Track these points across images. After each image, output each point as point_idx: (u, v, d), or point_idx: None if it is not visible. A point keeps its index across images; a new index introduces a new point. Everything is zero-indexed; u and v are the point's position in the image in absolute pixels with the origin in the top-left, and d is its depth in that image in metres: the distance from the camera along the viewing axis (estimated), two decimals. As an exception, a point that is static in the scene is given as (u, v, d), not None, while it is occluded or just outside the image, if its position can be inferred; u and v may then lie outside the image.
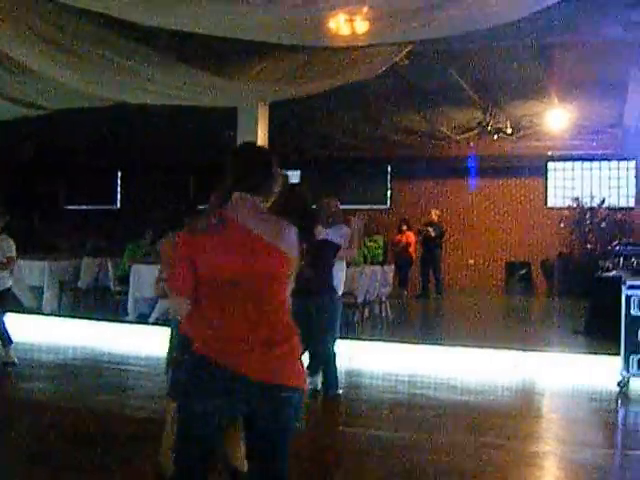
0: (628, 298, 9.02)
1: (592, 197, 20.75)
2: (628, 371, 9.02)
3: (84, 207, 25.78)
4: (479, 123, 17.63)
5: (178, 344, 4.76)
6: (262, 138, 12.76)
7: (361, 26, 7.69)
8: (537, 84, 14.06)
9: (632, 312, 9.00)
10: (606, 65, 12.13)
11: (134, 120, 15.29)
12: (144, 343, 11.80)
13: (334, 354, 7.98)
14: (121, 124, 16.20)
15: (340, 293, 8.42)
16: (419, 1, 6.77)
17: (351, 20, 7.63)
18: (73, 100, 10.53)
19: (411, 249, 19.33)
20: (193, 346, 3.50)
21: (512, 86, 14.39)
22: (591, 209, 20.43)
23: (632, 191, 20.88)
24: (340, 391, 8.19)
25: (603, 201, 20.60)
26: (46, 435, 6.88)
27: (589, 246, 19.78)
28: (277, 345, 3.44)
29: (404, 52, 10.55)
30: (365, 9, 7.38)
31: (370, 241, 19.48)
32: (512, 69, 12.99)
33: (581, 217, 20.42)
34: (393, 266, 15.95)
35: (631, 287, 9.06)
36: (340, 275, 8.33)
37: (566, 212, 20.80)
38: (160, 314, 12.29)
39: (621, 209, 20.51)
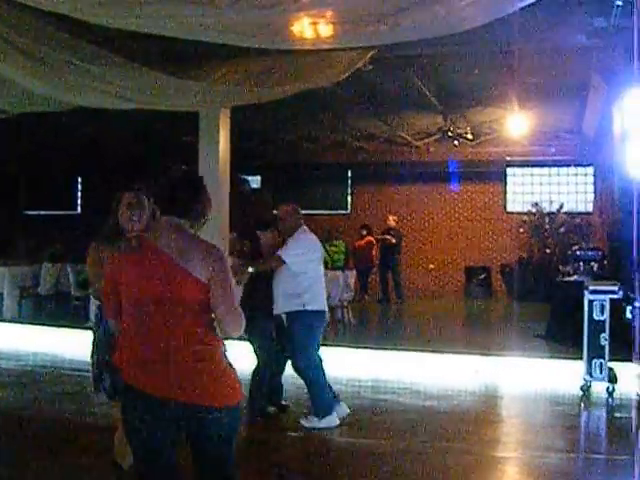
0: (591, 303, 9.08)
1: (551, 202, 20.93)
2: (591, 375, 9.07)
3: (44, 212, 25.40)
4: (439, 129, 17.71)
5: (106, 345, 4.70)
6: (224, 143, 12.68)
7: (326, 30, 7.62)
8: (498, 90, 14.12)
9: (595, 317, 9.05)
10: (567, 72, 12.22)
11: (95, 124, 15.10)
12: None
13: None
14: (82, 128, 16.00)
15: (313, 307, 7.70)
16: (384, 6, 6.73)
17: (316, 23, 7.56)
18: (33, 104, 10.37)
19: (372, 254, 19.34)
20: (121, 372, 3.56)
21: (473, 92, 14.46)
22: (550, 214, 20.61)
23: (590, 196, 21.11)
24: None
25: (562, 206, 20.80)
26: (6, 444, 6.74)
27: (548, 251, 19.95)
28: (191, 368, 3.45)
29: (367, 57, 10.52)
30: (330, 13, 7.32)
31: (331, 246, 19.42)
32: (474, 75, 13.04)
33: (540, 222, 20.60)
34: (354, 271, 15.94)
35: (594, 292, 9.11)
36: (307, 285, 7.75)
37: (525, 217, 20.99)
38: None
39: (579, 214, 20.73)
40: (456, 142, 18.40)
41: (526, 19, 9.67)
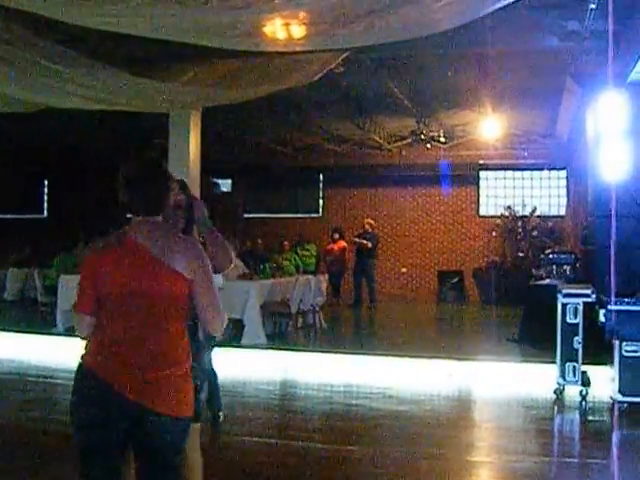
0: (564, 306, 9.04)
1: (524, 206, 20.96)
2: (564, 379, 9.03)
3: (9, 216, 24.94)
4: (412, 132, 17.66)
5: None
6: (194, 145, 12.58)
7: (299, 31, 7.55)
8: (471, 93, 14.09)
9: (568, 320, 9.02)
10: (541, 75, 12.19)
11: (62, 125, 14.90)
12: (72, 356, 11.44)
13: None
14: (49, 129, 15.80)
15: None
16: (358, 8, 6.66)
17: (288, 25, 7.49)
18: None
19: (344, 258, 19.27)
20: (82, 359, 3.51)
21: (446, 95, 14.42)
22: (523, 217, 20.66)
23: (563, 200, 21.18)
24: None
25: (534, 210, 20.85)
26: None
27: (521, 254, 19.98)
28: (160, 370, 3.39)
29: (340, 59, 10.45)
30: (303, 14, 7.24)
31: (302, 250, 19.35)
32: (447, 78, 13.00)
33: (513, 225, 20.63)
34: (326, 275, 15.86)
35: (567, 295, 9.08)
36: None
37: (498, 220, 21.00)
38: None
39: (552, 217, 20.78)
40: (429, 145, 18.35)
41: (499, 21, 9.66)
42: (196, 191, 12.74)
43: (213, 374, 7.87)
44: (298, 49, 8.21)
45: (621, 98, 9.17)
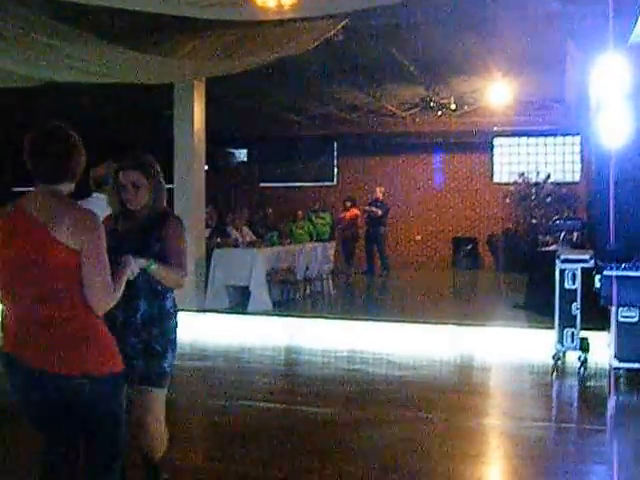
0: (562, 272, 9.02)
1: (538, 173, 20.84)
2: (562, 345, 9.03)
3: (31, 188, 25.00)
4: (422, 99, 17.55)
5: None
6: (198, 115, 12.57)
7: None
8: (479, 59, 13.97)
9: (566, 286, 9.00)
10: (545, 39, 12.07)
11: (66, 98, 14.90)
12: None
13: None
14: (52, 103, 15.82)
15: None
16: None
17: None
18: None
19: (356, 225, 19.30)
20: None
21: (454, 62, 14.31)
22: (536, 184, 20.54)
23: (577, 166, 21.02)
24: None
25: (548, 176, 20.72)
26: None
27: (534, 221, 19.89)
28: (54, 332, 3.37)
29: (339, 27, 10.41)
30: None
31: (317, 218, 19.39)
32: (452, 45, 12.90)
33: (527, 192, 20.53)
34: (334, 243, 15.92)
35: (565, 261, 9.05)
36: None
37: (512, 187, 20.89)
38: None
39: (566, 184, 20.65)
40: (439, 113, 18.24)
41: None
42: (202, 161, 12.81)
43: None
44: (290, 16, 8.17)
45: (622, 60, 9.06)
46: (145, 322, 4.24)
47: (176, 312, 4.41)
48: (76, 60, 9.10)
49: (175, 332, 4.40)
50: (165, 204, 4.47)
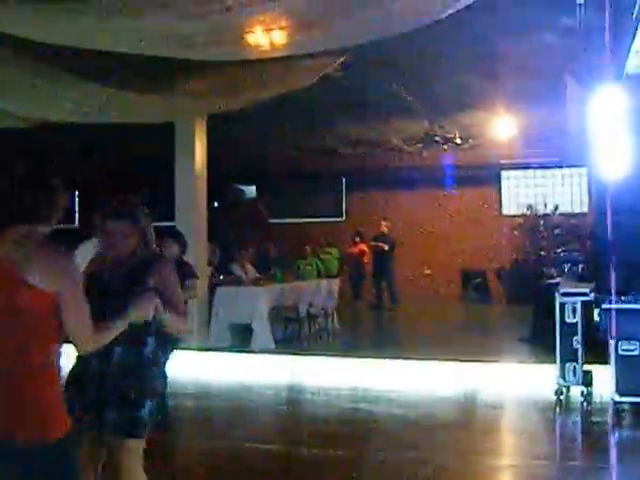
0: (562, 305, 8.94)
1: (545, 205, 20.76)
2: (565, 379, 8.93)
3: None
4: (426, 133, 17.57)
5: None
6: (200, 152, 12.63)
7: (280, 37, 7.58)
8: (481, 94, 14.01)
9: (567, 319, 8.92)
10: (543, 74, 12.10)
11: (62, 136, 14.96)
12: None
13: None
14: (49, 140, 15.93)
15: None
16: (336, 6, 6.70)
17: (269, 30, 7.51)
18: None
19: (364, 260, 19.26)
20: None
21: (456, 96, 14.34)
22: (545, 216, 20.45)
23: (585, 197, 20.94)
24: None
25: (557, 207, 20.64)
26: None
27: (543, 253, 19.78)
28: (10, 394, 3.19)
29: (337, 62, 10.47)
30: (283, 18, 7.28)
31: (324, 254, 19.38)
32: (453, 79, 12.95)
33: (535, 224, 20.44)
34: (338, 280, 15.87)
35: (565, 294, 8.98)
36: None
37: (520, 220, 20.80)
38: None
39: (575, 215, 20.55)
40: (445, 146, 18.25)
41: (495, 20, 9.65)
42: (203, 198, 12.82)
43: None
44: (281, 54, 8.22)
45: (619, 92, 9.03)
46: (120, 369, 4.11)
47: (160, 359, 4.31)
48: (72, 102, 9.17)
49: (156, 380, 4.28)
50: (155, 246, 4.40)
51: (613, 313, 8.21)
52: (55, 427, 3.24)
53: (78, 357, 4.06)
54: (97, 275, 4.12)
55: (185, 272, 7.38)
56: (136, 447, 4.20)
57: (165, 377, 7.69)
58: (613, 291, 8.19)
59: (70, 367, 4.21)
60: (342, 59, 10.44)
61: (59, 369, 3.34)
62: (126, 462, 4.17)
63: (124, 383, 4.11)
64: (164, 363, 6.96)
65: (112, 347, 3.91)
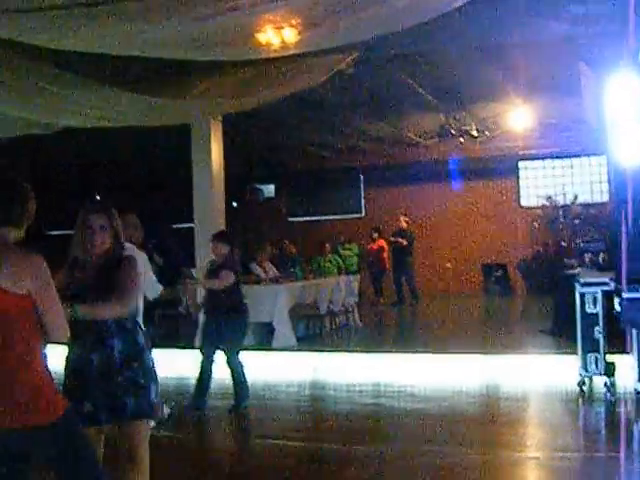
0: (582, 296, 8.86)
1: (565, 194, 20.63)
2: (587, 370, 8.86)
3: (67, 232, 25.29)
4: (442, 127, 17.53)
5: None
6: (217, 153, 12.68)
7: (290, 35, 7.58)
8: (496, 85, 13.98)
9: (587, 310, 8.85)
10: (560, 62, 12.04)
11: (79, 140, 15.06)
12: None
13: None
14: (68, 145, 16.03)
15: None
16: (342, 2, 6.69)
17: (280, 28, 7.52)
18: (18, 128, 10.48)
19: (384, 256, 19.21)
20: None
21: (470, 88, 14.32)
22: (564, 206, 20.33)
23: (605, 186, 20.79)
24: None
25: (576, 197, 20.50)
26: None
27: (563, 244, 19.68)
28: (8, 396, 3.35)
29: (349, 59, 10.46)
30: (293, 17, 7.28)
31: (344, 250, 19.39)
32: (467, 71, 12.92)
33: (554, 215, 20.33)
34: (358, 276, 15.87)
35: (585, 284, 8.91)
36: None
37: (539, 211, 20.70)
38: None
39: (595, 205, 20.41)
40: (461, 139, 18.18)
41: (507, 11, 9.60)
42: (221, 199, 12.86)
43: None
44: (293, 52, 8.22)
45: (633, 78, 8.95)
46: (124, 359, 4.32)
47: (150, 346, 4.50)
48: (88, 107, 9.23)
49: (153, 364, 4.50)
50: (123, 248, 4.54)
51: (628, 303, 8.10)
52: (45, 412, 3.43)
53: (72, 354, 4.31)
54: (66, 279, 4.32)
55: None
56: (148, 426, 4.50)
57: None
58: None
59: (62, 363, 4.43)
60: (355, 55, 10.43)
61: (44, 360, 3.51)
62: (143, 443, 4.41)
63: (131, 371, 4.33)
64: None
65: (110, 340, 4.30)
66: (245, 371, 8.74)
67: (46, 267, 3.46)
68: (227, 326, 8.61)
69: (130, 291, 4.35)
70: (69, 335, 3.56)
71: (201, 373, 8.75)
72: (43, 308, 3.40)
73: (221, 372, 8.95)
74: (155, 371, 4.49)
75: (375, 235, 19.46)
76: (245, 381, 8.73)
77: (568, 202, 20.38)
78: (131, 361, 4.34)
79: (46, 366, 3.54)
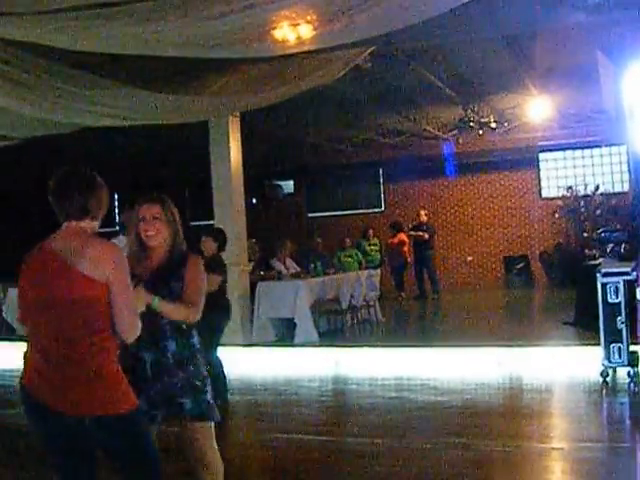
0: (604, 286, 8.82)
1: (585, 185, 20.50)
2: (609, 361, 8.82)
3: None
4: (461, 119, 17.45)
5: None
6: (235, 149, 12.67)
7: (306, 31, 7.58)
8: (514, 77, 13.91)
9: (609, 300, 8.81)
10: (577, 51, 11.97)
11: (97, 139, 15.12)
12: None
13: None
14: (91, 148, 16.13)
15: None
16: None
17: (296, 25, 7.53)
18: (35, 129, 10.54)
19: (404, 250, 19.17)
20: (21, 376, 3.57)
21: (489, 80, 14.25)
22: (585, 197, 20.20)
23: (625, 176, 20.62)
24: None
25: (597, 187, 20.35)
26: None
27: (585, 235, 19.55)
28: (69, 372, 3.42)
29: (366, 53, 10.46)
30: (308, 13, 7.28)
31: (370, 245, 19.38)
32: (484, 63, 12.87)
33: (576, 205, 20.19)
34: (379, 270, 15.86)
35: (606, 275, 8.86)
36: None
37: (560, 202, 20.57)
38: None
39: (616, 195, 20.25)
40: (480, 131, 18.09)
41: (522, 0, 9.54)
42: (240, 195, 12.88)
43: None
44: (308, 49, 8.23)
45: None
46: (178, 362, 4.30)
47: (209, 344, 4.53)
48: (105, 106, 9.28)
49: (205, 366, 4.50)
50: (184, 243, 4.49)
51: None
52: (119, 403, 3.51)
53: (122, 350, 4.18)
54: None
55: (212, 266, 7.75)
56: (211, 428, 4.45)
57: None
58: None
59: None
60: (371, 49, 10.42)
61: (116, 351, 3.57)
62: (209, 444, 4.42)
63: (187, 373, 4.32)
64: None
65: (165, 342, 4.28)
66: (224, 368, 8.70)
67: (124, 257, 3.57)
68: (205, 321, 8.55)
69: (202, 296, 4.37)
70: (135, 335, 3.59)
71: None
72: (116, 295, 3.46)
73: (240, 367, 8.98)
74: (208, 374, 4.48)
75: (395, 230, 19.39)
76: (224, 377, 8.67)
77: (589, 192, 20.21)
78: (186, 364, 4.32)
79: (115, 362, 3.59)
